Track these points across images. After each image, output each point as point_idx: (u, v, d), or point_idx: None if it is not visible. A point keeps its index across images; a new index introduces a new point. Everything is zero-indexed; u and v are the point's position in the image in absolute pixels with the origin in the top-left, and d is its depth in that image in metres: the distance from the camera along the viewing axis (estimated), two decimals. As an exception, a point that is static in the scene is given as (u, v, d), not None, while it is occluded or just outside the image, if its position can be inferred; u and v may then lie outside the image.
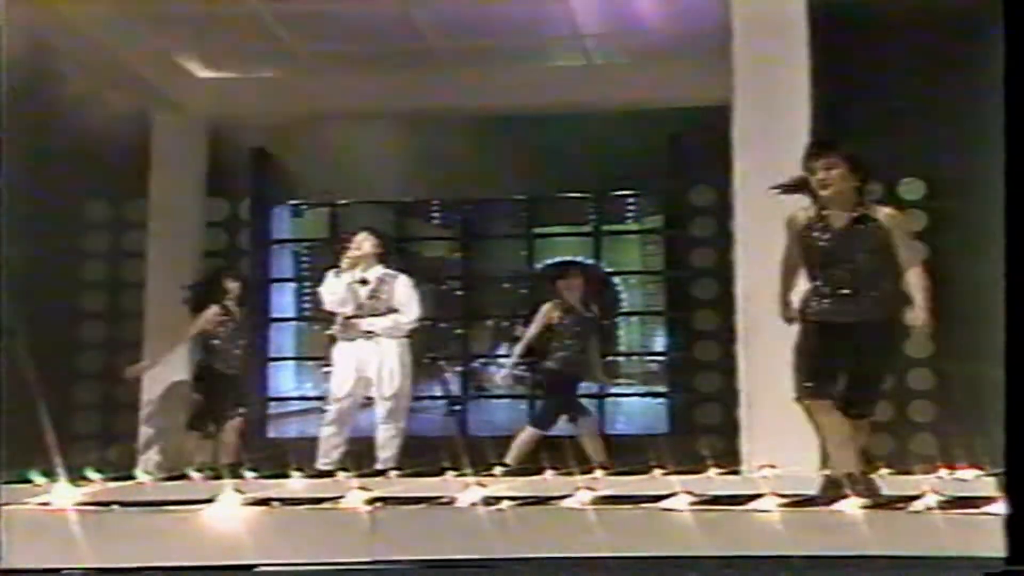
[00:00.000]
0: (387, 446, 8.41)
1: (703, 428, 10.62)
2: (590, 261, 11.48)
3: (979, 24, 8.72)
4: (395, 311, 8.49)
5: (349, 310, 8.47)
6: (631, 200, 11.93)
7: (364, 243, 8.54)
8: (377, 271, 8.57)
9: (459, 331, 11.79)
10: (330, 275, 8.56)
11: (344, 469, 7.75)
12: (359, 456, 8.23)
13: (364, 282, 8.50)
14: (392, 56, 10.50)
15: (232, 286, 9.66)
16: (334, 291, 8.49)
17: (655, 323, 11.75)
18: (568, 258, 11.49)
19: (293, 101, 11.11)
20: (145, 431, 10.62)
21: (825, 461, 5.93)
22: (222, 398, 9.57)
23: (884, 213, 5.76)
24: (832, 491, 5.21)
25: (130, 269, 11.30)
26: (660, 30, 10.02)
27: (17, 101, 6.32)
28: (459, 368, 11.70)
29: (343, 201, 11.89)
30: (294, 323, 12.17)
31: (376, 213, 11.67)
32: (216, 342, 9.57)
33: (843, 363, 5.73)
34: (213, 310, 9.54)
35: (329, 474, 7.64)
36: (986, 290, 9.56)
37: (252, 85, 11.14)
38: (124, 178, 11.12)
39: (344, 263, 8.51)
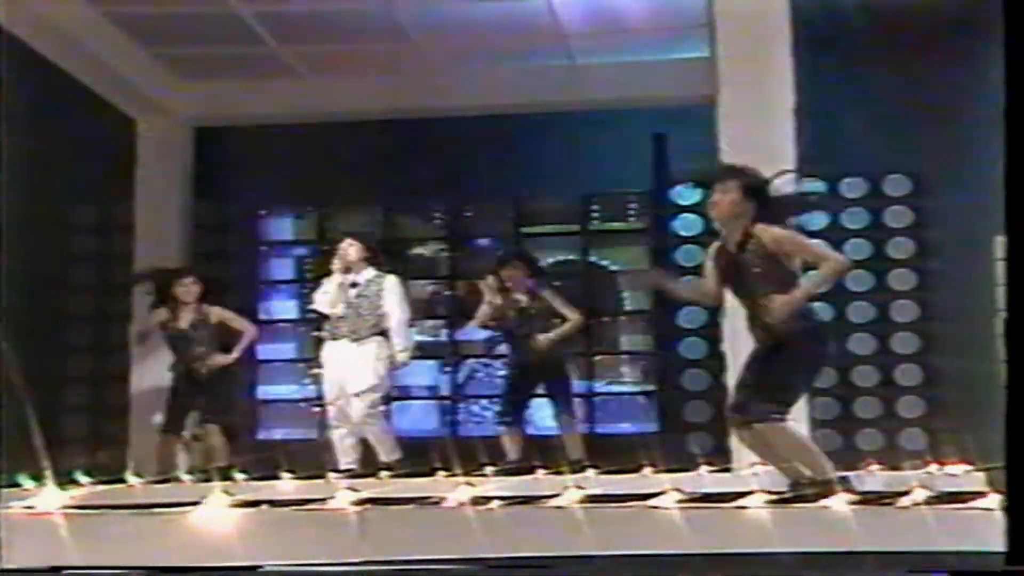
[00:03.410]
0: (379, 443, 8.52)
1: (693, 426, 10.62)
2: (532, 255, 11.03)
3: (966, 21, 8.78)
4: (380, 310, 8.54)
5: (339, 311, 8.55)
6: (617, 199, 11.90)
7: (349, 249, 8.62)
8: (368, 273, 8.65)
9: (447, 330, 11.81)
10: (325, 281, 8.70)
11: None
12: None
13: (354, 284, 8.58)
14: (376, 57, 10.50)
15: (189, 288, 9.22)
16: (324, 292, 8.62)
17: (644, 321, 11.73)
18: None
19: (279, 104, 11.10)
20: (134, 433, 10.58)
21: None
22: (190, 399, 9.29)
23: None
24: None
25: (117, 272, 11.27)
26: (643, 29, 10.03)
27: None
28: (448, 368, 11.72)
29: (329, 204, 11.92)
30: (293, 325, 12.12)
31: (365, 214, 11.69)
32: (181, 343, 9.25)
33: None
34: (162, 312, 9.24)
35: (318, 476, 7.66)
36: (974, 286, 9.59)
37: (237, 88, 11.12)
38: (111, 181, 11.10)
39: (334, 267, 8.60)
